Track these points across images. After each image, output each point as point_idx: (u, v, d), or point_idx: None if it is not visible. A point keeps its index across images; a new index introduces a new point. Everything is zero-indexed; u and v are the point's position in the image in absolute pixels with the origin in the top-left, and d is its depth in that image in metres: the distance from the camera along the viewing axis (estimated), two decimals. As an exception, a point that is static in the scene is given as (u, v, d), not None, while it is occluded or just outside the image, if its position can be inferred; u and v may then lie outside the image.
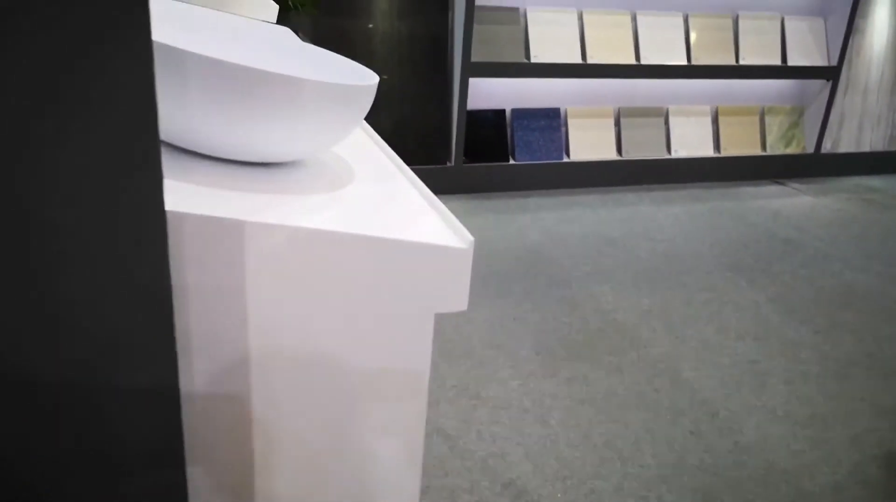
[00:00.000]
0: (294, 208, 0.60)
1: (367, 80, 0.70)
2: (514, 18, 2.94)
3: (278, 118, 0.60)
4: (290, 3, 2.31)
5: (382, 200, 0.67)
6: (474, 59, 2.85)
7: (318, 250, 0.59)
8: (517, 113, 3.09)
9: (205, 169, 0.64)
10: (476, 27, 2.85)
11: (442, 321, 2.00)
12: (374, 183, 0.71)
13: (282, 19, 2.45)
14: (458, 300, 0.66)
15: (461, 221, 2.69)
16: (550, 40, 2.99)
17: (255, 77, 0.57)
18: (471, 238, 0.63)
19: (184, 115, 0.59)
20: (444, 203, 2.84)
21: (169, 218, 0.56)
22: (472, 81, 2.96)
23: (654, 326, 2.05)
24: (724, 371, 1.85)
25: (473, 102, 3.02)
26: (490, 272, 2.33)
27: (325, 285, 0.60)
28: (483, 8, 2.87)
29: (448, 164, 2.99)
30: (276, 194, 0.62)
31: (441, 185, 2.99)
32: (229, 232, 0.57)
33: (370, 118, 2.83)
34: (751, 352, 1.95)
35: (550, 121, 3.15)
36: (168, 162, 0.64)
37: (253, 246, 0.58)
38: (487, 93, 3.05)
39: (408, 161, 2.93)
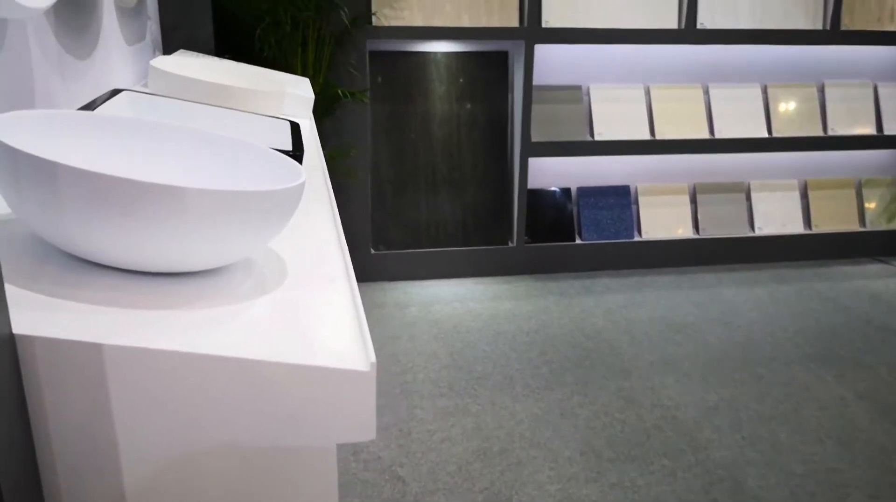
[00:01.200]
0: (178, 324, 0.55)
1: (276, 183, 0.65)
2: (576, 97, 2.88)
3: (160, 230, 0.55)
4: (340, 92, 2.35)
5: (293, 311, 0.60)
6: (535, 138, 2.80)
7: (189, 376, 0.53)
8: (584, 191, 3.00)
9: (109, 279, 0.60)
10: (536, 107, 2.82)
11: (481, 415, 1.88)
12: (294, 288, 0.65)
13: (330, 109, 2.50)
14: (362, 428, 0.58)
15: (521, 304, 2.59)
16: (615, 117, 2.91)
17: (126, 187, 0.53)
18: (373, 359, 0.56)
19: (70, 228, 0.55)
20: (506, 284, 2.77)
21: (19, 341, 0.52)
22: (535, 161, 2.91)
23: (718, 425, 1.85)
24: (797, 481, 1.63)
25: (536, 181, 2.96)
26: (543, 361, 2.20)
27: (203, 415, 0.54)
28: (543, 87, 2.84)
29: (510, 244, 2.91)
30: (171, 308, 0.57)
31: (503, 266, 2.91)
32: (85, 356, 0.52)
33: (433, 201, 2.81)
34: (831, 458, 1.72)
35: (620, 198, 3.03)
36: (68, 271, 0.60)
37: (114, 372, 0.53)
38: (552, 171, 2.98)
39: (469, 241, 2.88)
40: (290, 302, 0.62)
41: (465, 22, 2.63)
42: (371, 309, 2.54)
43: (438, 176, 2.82)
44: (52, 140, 0.65)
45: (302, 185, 0.64)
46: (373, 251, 2.80)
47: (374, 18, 2.55)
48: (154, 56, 1.95)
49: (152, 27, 1.95)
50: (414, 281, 2.82)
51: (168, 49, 2.13)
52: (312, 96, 1.77)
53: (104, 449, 0.54)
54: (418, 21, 2.59)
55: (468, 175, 2.85)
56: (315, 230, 0.83)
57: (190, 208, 0.55)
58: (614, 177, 3.05)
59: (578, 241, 2.99)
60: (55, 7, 1.08)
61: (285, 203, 0.61)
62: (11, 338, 0.51)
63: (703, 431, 1.82)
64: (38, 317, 0.53)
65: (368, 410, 0.56)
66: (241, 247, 0.61)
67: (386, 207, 2.81)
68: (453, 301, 2.63)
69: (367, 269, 2.80)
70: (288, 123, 1.10)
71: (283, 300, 0.62)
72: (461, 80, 2.77)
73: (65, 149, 0.66)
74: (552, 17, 2.68)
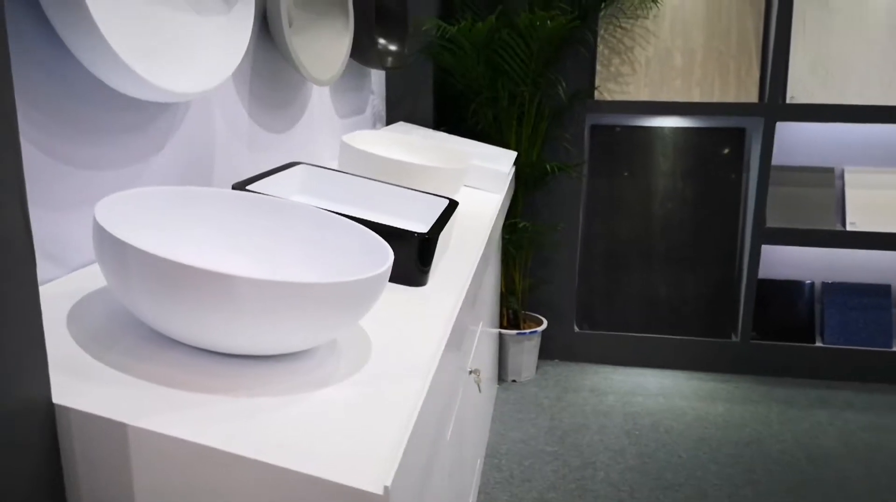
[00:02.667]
0: (215, 412, 0.54)
1: (348, 275, 0.62)
2: (825, 180, 2.54)
3: (213, 314, 0.55)
4: (548, 167, 2.31)
5: (337, 411, 0.57)
6: (770, 223, 2.51)
7: (199, 467, 0.52)
8: (831, 287, 2.61)
9: (178, 355, 0.61)
10: (774, 189, 2.53)
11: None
12: (356, 384, 0.61)
13: (541, 181, 2.47)
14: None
15: (735, 409, 2.29)
16: (874, 206, 2.50)
17: (177, 271, 0.53)
18: (388, 483, 0.50)
19: (138, 303, 0.57)
20: (722, 383, 2.48)
21: (58, 411, 0.54)
22: (769, 248, 2.60)
23: None
24: None
25: (769, 271, 2.64)
26: (748, 480, 1.90)
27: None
28: (784, 168, 2.55)
29: (733, 339, 2.61)
30: (219, 392, 0.57)
31: (721, 362, 2.61)
32: (111, 433, 0.53)
33: (647, 282, 2.64)
34: None
35: (877, 299, 2.59)
36: (145, 343, 0.62)
37: (137, 453, 0.53)
38: (789, 261, 2.65)
39: (684, 330, 2.64)
40: (341, 400, 0.58)
41: (697, 97, 2.46)
42: (564, 392, 2.42)
43: (655, 256, 2.64)
44: (159, 217, 0.69)
45: (374, 279, 0.60)
46: (576, 329, 2.68)
47: (596, 93, 2.50)
48: (374, 127, 2.08)
49: (375, 101, 2.09)
50: (617, 366, 2.64)
51: (391, 120, 2.27)
52: (508, 171, 1.76)
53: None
54: (644, 95, 2.49)
55: (689, 257, 2.63)
56: (430, 314, 0.79)
57: (236, 296, 0.54)
58: (869, 273, 2.62)
59: (819, 344, 2.59)
60: (251, 86, 1.18)
61: (346, 297, 0.58)
62: (50, 406, 0.53)
63: None
64: (84, 388, 0.55)
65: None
66: (301, 338, 0.59)
67: (594, 284, 2.69)
68: (657, 394, 2.41)
69: (569, 348, 2.69)
70: (446, 202, 1.08)
71: (335, 397, 0.58)
72: (688, 156, 2.59)
73: (171, 227, 0.69)
74: (798, 91, 2.41)
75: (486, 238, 1.26)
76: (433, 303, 0.83)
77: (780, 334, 2.61)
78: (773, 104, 2.38)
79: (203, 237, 0.72)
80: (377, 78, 2.12)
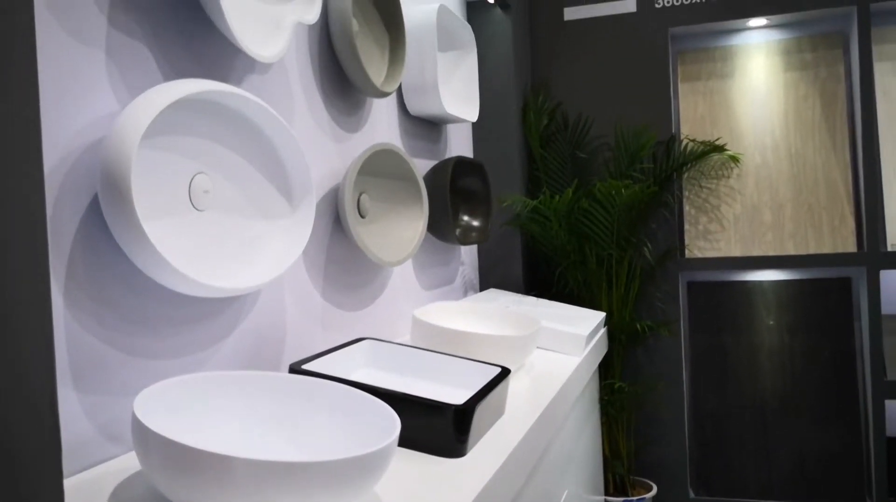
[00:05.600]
0: None
1: (351, 451, 0.70)
2: (950, 328, 2.38)
3: (217, 493, 0.63)
4: (639, 326, 2.33)
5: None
6: (893, 376, 2.35)
7: None
8: (977, 445, 2.36)
9: None
10: (890, 339, 2.39)
11: None
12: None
13: (637, 340, 2.47)
14: None
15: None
16: None
17: (184, 453, 0.62)
18: None
19: (157, 480, 0.67)
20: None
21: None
22: (894, 404, 2.42)
23: None
24: None
25: (900, 429, 2.43)
26: None
27: None
28: (901, 317, 2.42)
29: (868, 505, 2.38)
30: None
31: (860, 532, 2.37)
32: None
33: (764, 443, 2.50)
34: None
35: None
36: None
37: None
38: (924, 417, 2.43)
39: (811, 494, 2.44)
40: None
41: (791, 249, 2.45)
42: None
43: (769, 414, 2.52)
44: (199, 402, 0.81)
45: (360, 458, 0.66)
46: (692, 494, 2.54)
47: (686, 251, 2.54)
48: (465, 296, 2.22)
49: (466, 271, 2.25)
50: (739, 535, 2.45)
51: (484, 287, 2.41)
52: (587, 333, 1.82)
53: None
54: (736, 251, 2.50)
55: (807, 415, 2.48)
56: (465, 484, 0.84)
57: (238, 476, 0.62)
58: None
59: (972, 512, 2.31)
60: (326, 271, 1.36)
61: (338, 476, 0.65)
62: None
63: None
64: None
65: None
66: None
67: (708, 446, 2.57)
68: (783, 569, 2.20)
69: (684, 515, 2.54)
70: (498, 370, 1.16)
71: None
72: (793, 309, 2.52)
73: (208, 411, 0.82)
74: (900, 238, 2.34)
75: (547, 403, 1.31)
76: (468, 474, 0.89)
77: (924, 500, 2.35)
78: (874, 253, 2.32)
79: (239, 417, 0.84)
80: (469, 248, 2.29)
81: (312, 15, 1.15)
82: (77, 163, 0.83)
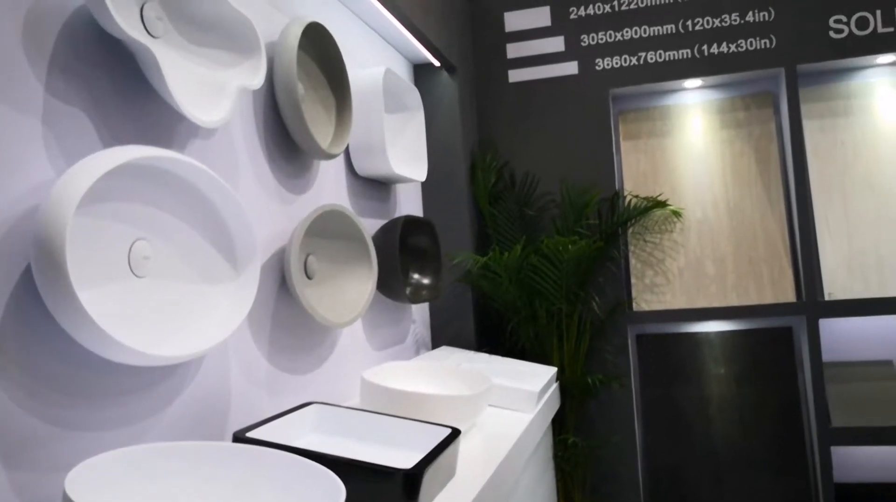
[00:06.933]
0: None
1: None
2: (887, 373, 2.45)
3: None
4: (590, 380, 2.35)
5: None
6: (836, 423, 2.41)
7: None
8: (921, 489, 2.41)
9: None
10: (834, 387, 2.45)
11: None
12: None
13: (589, 395, 2.48)
14: None
15: None
16: (947, 397, 2.38)
17: None
18: None
19: None
20: None
21: None
22: (842, 450, 2.46)
23: None
24: None
25: (848, 474, 2.47)
26: None
27: None
28: (840, 364, 2.49)
29: (821, 554, 2.39)
30: None
31: (815, 582, 2.37)
32: None
33: (719, 494, 2.51)
34: None
35: (979, 501, 2.36)
36: None
37: None
38: (868, 464, 2.48)
39: (766, 547, 2.44)
40: None
41: (734, 300, 2.51)
42: None
43: (723, 466, 2.53)
44: (134, 476, 0.79)
45: None
46: (649, 550, 2.53)
47: (634, 304, 2.58)
48: (417, 354, 2.21)
49: (418, 330, 2.24)
50: (698, 591, 2.43)
51: (437, 344, 2.40)
52: (538, 389, 1.82)
53: None
54: (681, 303, 2.55)
55: (759, 465, 2.51)
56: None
57: None
58: (963, 472, 2.42)
59: (921, 557, 2.34)
60: (271, 335, 1.34)
61: None
62: None
63: None
64: None
65: None
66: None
67: (664, 500, 2.57)
68: None
69: (643, 571, 2.51)
70: (448, 431, 1.15)
71: None
72: (739, 359, 2.58)
73: (144, 483, 0.79)
74: (837, 288, 2.42)
75: (499, 462, 1.30)
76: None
77: (875, 547, 2.38)
78: (812, 302, 2.40)
79: (181, 490, 0.81)
80: (420, 307, 2.29)
81: (257, 80, 1.17)
82: (11, 231, 0.81)
